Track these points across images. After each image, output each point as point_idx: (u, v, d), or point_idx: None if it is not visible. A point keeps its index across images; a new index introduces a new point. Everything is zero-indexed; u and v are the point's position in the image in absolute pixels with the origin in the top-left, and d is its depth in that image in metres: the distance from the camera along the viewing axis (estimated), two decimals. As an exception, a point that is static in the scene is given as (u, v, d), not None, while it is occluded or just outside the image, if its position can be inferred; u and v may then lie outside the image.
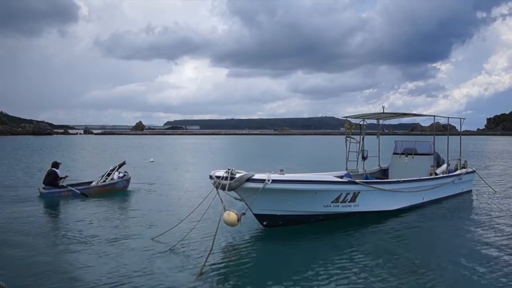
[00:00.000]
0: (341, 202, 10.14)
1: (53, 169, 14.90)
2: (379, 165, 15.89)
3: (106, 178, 15.35)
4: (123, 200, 14.03)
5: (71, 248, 8.34)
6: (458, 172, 14.70)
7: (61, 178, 14.76)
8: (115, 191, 15.12)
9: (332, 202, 10.00)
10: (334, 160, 25.52)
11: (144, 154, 39.42)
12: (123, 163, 16.30)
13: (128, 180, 15.90)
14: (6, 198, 14.11)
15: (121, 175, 15.73)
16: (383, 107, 14.03)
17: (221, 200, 8.29)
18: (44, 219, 11.23)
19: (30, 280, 6.56)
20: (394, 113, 15.02)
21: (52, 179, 14.58)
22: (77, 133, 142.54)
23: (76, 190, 14.18)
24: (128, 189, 15.73)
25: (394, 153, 15.51)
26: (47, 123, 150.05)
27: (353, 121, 15.14)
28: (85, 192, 14.26)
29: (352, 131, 14.61)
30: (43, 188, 14.43)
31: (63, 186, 14.52)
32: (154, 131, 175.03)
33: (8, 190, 15.84)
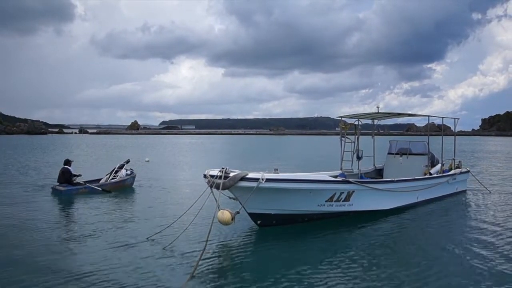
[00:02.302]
0: (335, 201, 10.15)
1: (66, 167, 15.20)
2: (374, 165, 15.93)
3: (115, 176, 15.82)
4: (123, 199, 14.14)
5: (68, 246, 8.33)
6: (452, 172, 14.76)
7: (75, 176, 15.09)
8: (123, 187, 15.74)
9: (326, 201, 10.01)
10: (329, 160, 25.53)
11: (140, 153, 39.28)
12: (128, 161, 17.00)
13: (134, 177, 16.67)
14: (18, 195, 14.29)
15: (128, 172, 16.41)
16: (378, 107, 14.07)
17: (215, 199, 8.29)
18: (48, 218, 11.11)
19: (25, 277, 6.54)
20: (389, 113, 15.06)
21: (67, 177, 14.88)
22: (72, 133, 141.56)
23: (96, 187, 14.68)
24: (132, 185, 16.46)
25: (389, 153, 15.54)
26: (42, 122, 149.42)
27: (348, 121, 15.16)
28: (104, 188, 14.84)
29: (347, 131, 14.63)
30: (59, 186, 14.66)
31: (79, 184, 14.85)
32: (149, 130, 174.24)
33: (19, 188, 16.00)
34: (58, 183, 14.91)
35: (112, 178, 15.74)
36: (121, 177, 15.86)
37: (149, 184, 17.25)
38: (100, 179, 15.78)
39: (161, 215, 11.19)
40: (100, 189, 14.68)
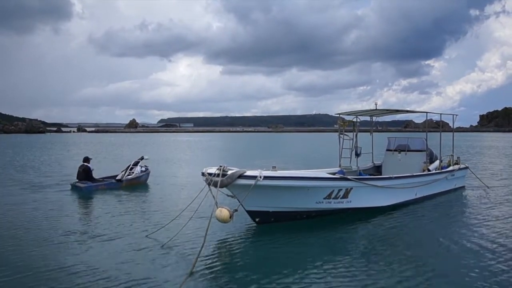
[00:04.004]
0: (333, 198, 10.14)
1: (86, 164, 15.67)
2: (372, 161, 15.93)
3: (130, 172, 16.29)
4: (133, 195, 14.29)
5: (70, 242, 8.39)
6: (451, 168, 14.75)
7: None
8: (138, 184, 16.18)
9: (324, 198, 10.01)
10: (327, 157, 25.57)
11: (138, 151, 39.20)
12: (142, 158, 17.51)
13: (148, 174, 17.13)
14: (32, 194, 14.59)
15: (143, 169, 16.88)
16: (376, 104, 14.04)
17: (213, 197, 8.27)
18: (59, 214, 11.28)
19: (23, 272, 6.55)
20: (387, 110, 15.04)
21: (87, 174, 15.38)
22: (70, 131, 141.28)
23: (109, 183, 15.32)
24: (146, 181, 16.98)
25: (387, 150, 15.54)
26: (40, 121, 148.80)
27: (346, 118, 15.14)
28: (117, 186, 15.39)
29: (345, 128, 14.61)
30: (78, 183, 15.05)
31: (98, 180, 15.42)
32: (147, 128, 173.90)
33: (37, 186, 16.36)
34: (77, 180, 15.27)
35: (128, 175, 16.15)
36: (136, 173, 16.29)
37: (150, 181, 17.37)
38: (116, 176, 16.20)
39: (163, 212, 11.25)
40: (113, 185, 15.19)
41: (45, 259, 7.40)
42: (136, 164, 16.78)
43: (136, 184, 16.04)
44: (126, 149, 44.29)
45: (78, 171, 15.58)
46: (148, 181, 16.97)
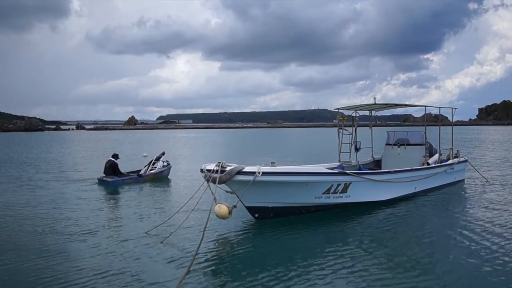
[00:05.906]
0: (332, 193, 10.12)
1: (113, 159, 16.35)
2: (372, 156, 15.92)
3: (153, 167, 17.20)
4: (147, 190, 14.54)
5: (70, 239, 8.42)
6: (450, 161, 14.74)
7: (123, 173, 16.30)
8: (161, 178, 17.02)
9: (323, 193, 9.98)
10: (327, 152, 25.55)
11: (137, 148, 39.19)
12: (163, 153, 18.32)
13: (170, 169, 17.91)
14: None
15: (165, 163, 17.67)
16: (375, 98, 14.00)
17: (212, 193, 8.25)
18: (66, 209, 11.41)
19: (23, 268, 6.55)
20: (386, 104, 15.00)
21: (114, 169, 16.06)
22: (69, 129, 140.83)
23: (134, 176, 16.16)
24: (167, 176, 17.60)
25: (387, 144, 15.52)
26: (38, 119, 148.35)
27: (346, 112, 15.11)
28: (140, 180, 16.15)
29: (345, 122, 14.59)
30: (106, 177, 15.74)
31: (123, 175, 16.21)
32: (146, 125, 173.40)
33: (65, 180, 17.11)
34: (104, 175, 15.95)
35: (151, 170, 17.01)
36: (158, 168, 17.12)
37: (172, 175, 17.78)
38: (139, 170, 16.99)
39: (160, 210, 11.23)
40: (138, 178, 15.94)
41: (47, 252, 7.45)
42: (158, 159, 17.54)
43: (158, 178, 16.77)
44: (127, 146, 44.21)
45: (105, 167, 16.20)
46: (169, 176, 17.56)
